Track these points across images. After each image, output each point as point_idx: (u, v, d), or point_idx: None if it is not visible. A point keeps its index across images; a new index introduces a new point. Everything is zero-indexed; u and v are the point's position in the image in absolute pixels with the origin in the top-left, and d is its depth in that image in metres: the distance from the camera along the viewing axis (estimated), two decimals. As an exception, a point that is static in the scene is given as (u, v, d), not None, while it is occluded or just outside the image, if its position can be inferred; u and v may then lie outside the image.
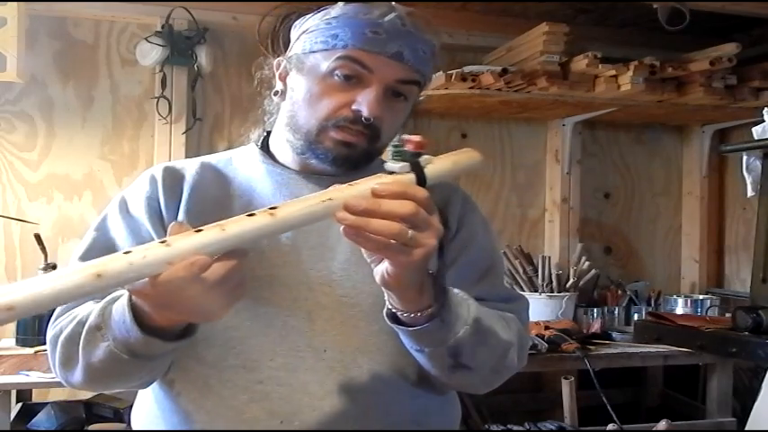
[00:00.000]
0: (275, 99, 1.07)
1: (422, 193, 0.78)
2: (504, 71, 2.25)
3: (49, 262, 2.11)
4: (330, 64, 0.97)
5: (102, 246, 1.00)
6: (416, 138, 0.82)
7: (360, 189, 0.77)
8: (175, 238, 0.74)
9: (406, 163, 0.81)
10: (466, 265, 1.02)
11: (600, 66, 2.26)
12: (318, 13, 1.01)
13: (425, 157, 0.82)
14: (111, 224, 1.02)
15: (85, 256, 0.99)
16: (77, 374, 0.91)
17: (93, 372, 0.89)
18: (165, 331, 0.82)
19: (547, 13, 2.56)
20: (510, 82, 2.27)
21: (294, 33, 1.05)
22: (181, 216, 1.00)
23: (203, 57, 2.35)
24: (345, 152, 0.99)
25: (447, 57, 2.67)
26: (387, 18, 0.96)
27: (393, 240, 0.76)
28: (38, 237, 2.11)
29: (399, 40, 0.96)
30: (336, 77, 0.97)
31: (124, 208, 1.03)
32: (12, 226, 2.30)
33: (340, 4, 1.00)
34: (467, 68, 2.31)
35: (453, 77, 2.25)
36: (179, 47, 2.33)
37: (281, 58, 1.06)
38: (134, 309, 0.82)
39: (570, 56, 2.30)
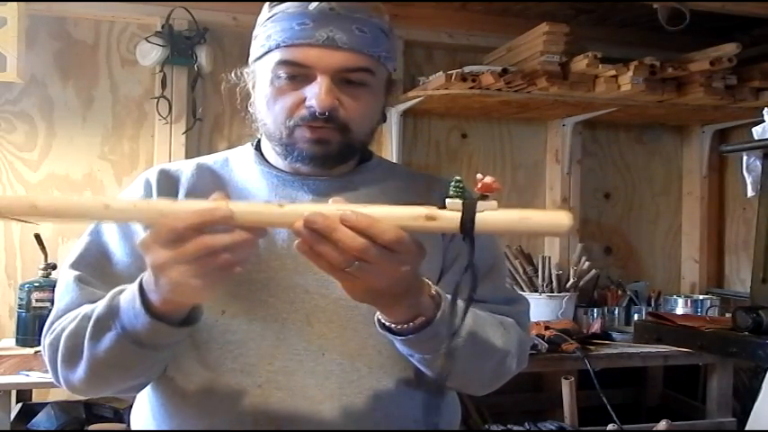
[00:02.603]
0: (250, 109, 1.06)
1: (388, 234, 0.73)
2: (505, 71, 2.24)
3: (49, 262, 2.11)
4: (272, 68, 0.96)
5: (95, 251, 1.00)
6: (488, 179, 0.74)
7: (351, 210, 0.74)
8: (183, 201, 0.77)
9: (459, 201, 0.74)
10: (459, 268, 1.01)
11: (600, 66, 2.25)
12: (258, 19, 1.01)
13: (490, 202, 0.74)
14: (104, 229, 1.01)
15: (79, 261, 0.99)
16: (80, 371, 0.90)
17: (96, 365, 0.88)
18: (169, 317, 0.83)
19: (547, 14, 2.56)
20: (510, 82, 2.27)
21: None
22: None
23: (203, 57, 2.35)
24: (320, 149, 0.97)
25: (447, 57, 2.68)
26: (312, 6, 0.94)
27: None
28: (38, 237, 2.11)
29: (328, 26, 0.94)
30: (281, 79, 0.96)
31: None
32: (12, 226, 2.30)
33: (272, 3, 0.98)
34: (467, 68, 2.31)
35: (453, 77, 2.25)
36: (179, 47, 2.33)
37: (247, 68, 1.06)
38: (142, 296, 0.82)
39: (570, 56, 2.29)
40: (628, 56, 2.35)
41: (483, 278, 1.03)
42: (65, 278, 0.99)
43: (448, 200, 0.74)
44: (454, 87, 2.27)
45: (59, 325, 0.94)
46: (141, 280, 0.83)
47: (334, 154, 0.99)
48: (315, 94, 0.93)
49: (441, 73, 2.30)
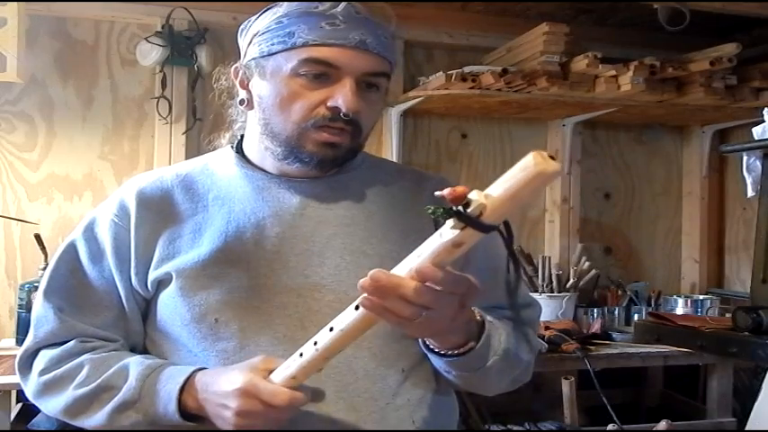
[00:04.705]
0: (241, 108, 1.05)
1: (462, 285, 0.76)
2: (505, 71, 2.24)
3: (49, 262, 2.11)
4: (294, 65, 0.94)
5: (68, 275, 1.03)
6: (447, 191, 0.67)
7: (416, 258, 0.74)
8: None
9: (453, 221, 0.67)
10: (471, 275, 1.00)
11: (600, 66, 2.25)
12: (265, 14, 0.99)
13: (474, 198, 0.66)
14: (78, 248, 1.04)
15: (54, 287, 1.02)
16: (83, 423, 0.95)
17: (104, 428, 0.94)
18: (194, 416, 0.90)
19: (547, 14, 2.56)
20: (510, 82, 2.26)
21: (243, 38, 1.03)
22: (159, 246, 1.00)
23: (203, 57, 2.35)
24: (331, 153, 0.97)
25: (447, 57, 2.68)
26: (339, 7, 0.94)
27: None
28: (38, 237, 2.11)
29: (359, 28, 0.93)
30: (304, 77, 0.94)
31: (90, 230, 1.04)
32: (12, 226, 2.30)
33: (285, 2, 0.97)
34: (467, 68, 2.30)
35: (453, 77, 2.25)
36: (179, 47, 2.33)
37: (237, 65, 1.04)
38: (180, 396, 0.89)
39: (570, 56, 2.29)
40: (628, 56, 2.35)
41: (492, 285, 1.03)
42: (41, 303, 1.01)
43: (446, 230, 0.70)
44: (454, 87, 2.27)
45: (53, 364, 0.97)
46: (185, 384, 0.88)
47: (340, 157, 0.99)
48: (343, 96, 0.92)
49: (441, 73, 2.29)
